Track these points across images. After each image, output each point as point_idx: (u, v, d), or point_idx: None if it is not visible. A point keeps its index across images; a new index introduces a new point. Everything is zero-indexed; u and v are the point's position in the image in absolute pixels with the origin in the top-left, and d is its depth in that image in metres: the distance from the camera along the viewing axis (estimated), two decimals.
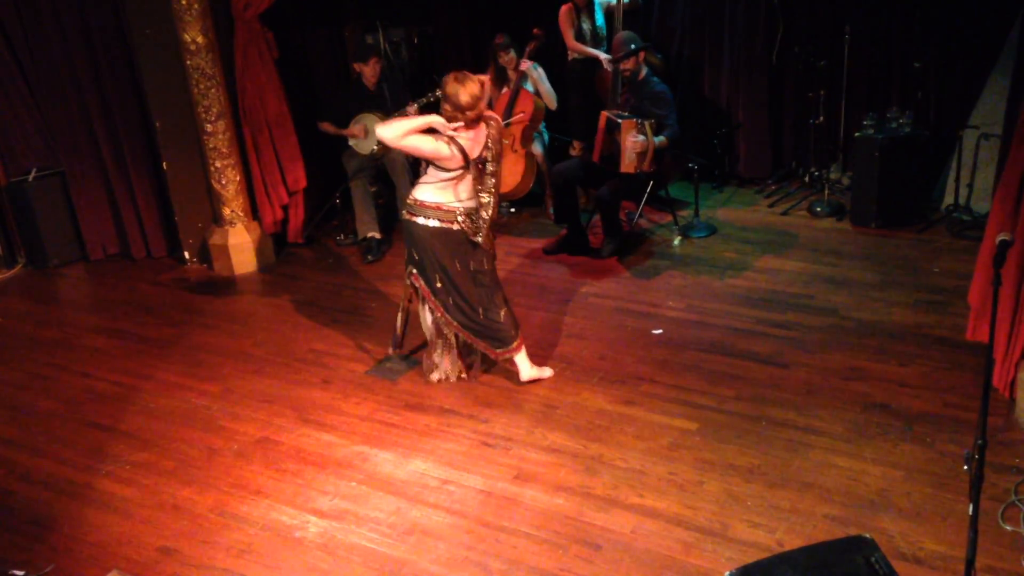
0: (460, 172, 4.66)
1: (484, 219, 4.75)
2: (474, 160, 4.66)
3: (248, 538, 3.97)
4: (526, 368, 4.99)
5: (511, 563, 3.68)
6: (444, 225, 4.72)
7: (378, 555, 3.80)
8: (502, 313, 4.91)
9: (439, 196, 4.71)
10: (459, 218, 4.71)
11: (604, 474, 4.18)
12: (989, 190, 6.34)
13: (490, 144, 4.69)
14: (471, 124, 4.63)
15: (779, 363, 4.99)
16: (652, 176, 6.51)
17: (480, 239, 4.76)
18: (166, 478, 4.45)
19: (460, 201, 4.72)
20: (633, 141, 6.10)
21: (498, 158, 4.75)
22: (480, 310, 4.87)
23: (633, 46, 6.37)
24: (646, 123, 6.09)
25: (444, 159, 4.60)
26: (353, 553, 3.82)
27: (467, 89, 4.54)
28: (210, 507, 4.20)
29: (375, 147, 6.87)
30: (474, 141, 4.65)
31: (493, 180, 4.75)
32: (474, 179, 4.70)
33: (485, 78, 4.76)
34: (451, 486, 4.20)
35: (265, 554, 3.86)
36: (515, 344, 4.95)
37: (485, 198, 4.74)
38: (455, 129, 4.61)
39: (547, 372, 5.07)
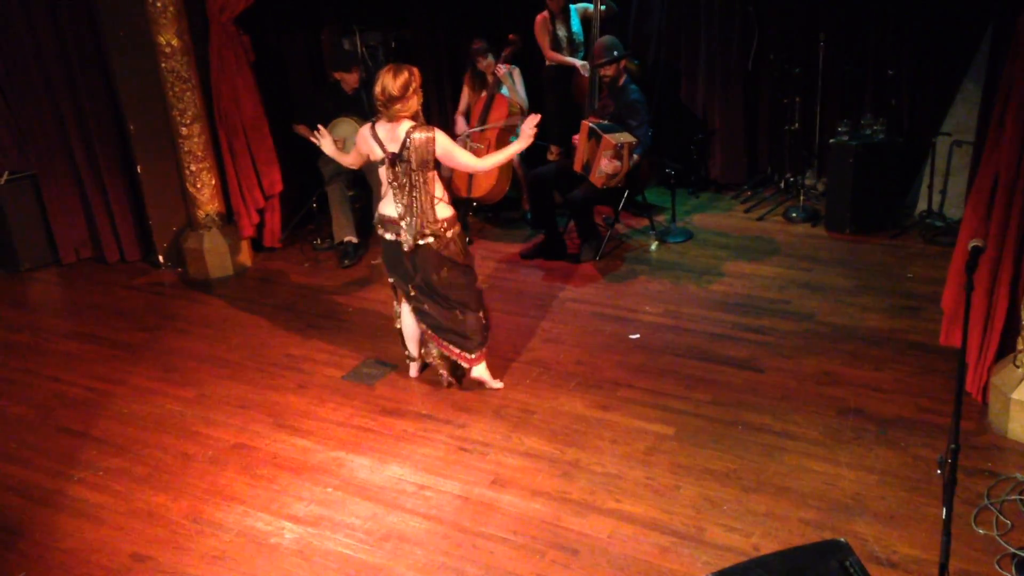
0: (389, 175, 4.64)
1: (414, 227, 4.64)
2: (388, 155, 4.57)
3: (223, 545, 3.93)
4: (486, 376, 5.02)
5: (488, 569, 3.68)
6: (400, 238, 4.70)
7: (354, 561, 3.78)
8: (472, 318, 4.88)
9: (391, 208, 4.69)
10: (401, 230, 4.68)
11: (581, 479, 4.18)
12: (962, 196, 6.41)
13: (409, 146, 4.52)
14: (392, 117, 4.57)
15: (755, 368, 5.01)
16: (629, 182, 6.51)
17: (417, 245, 4.67)
18: (139, 484, 4.40)
19: (400, 211, 4.66)
20: (607, 162, 6.09)
21: (422, 167, 4.56)
22: (456, 312, 4.85)
23: (616, 52, 6.38)
24: (625, 147, 6.07)
25: (365, 151, 4.71)
26: (329, 559, 3.80)
27: (398, 80, 4.49)
28: (184, 513, 4.16)
29: None
30: (391, 134, 4.58)
31: (415, 191, 4.60)
32: (391, 180, 4.63)
33: (415, 70, 4.63)
34: (428, 491, 4.19)
35: (240, 561, 3.83)
36: (477, 354, 4.94)
37: (401, 208, 4.66)
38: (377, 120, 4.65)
39: (498, 383, 5.05)
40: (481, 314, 4.92)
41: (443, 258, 4.71)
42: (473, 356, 4.92)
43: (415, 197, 4.60)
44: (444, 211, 4.70)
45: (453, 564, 3.72)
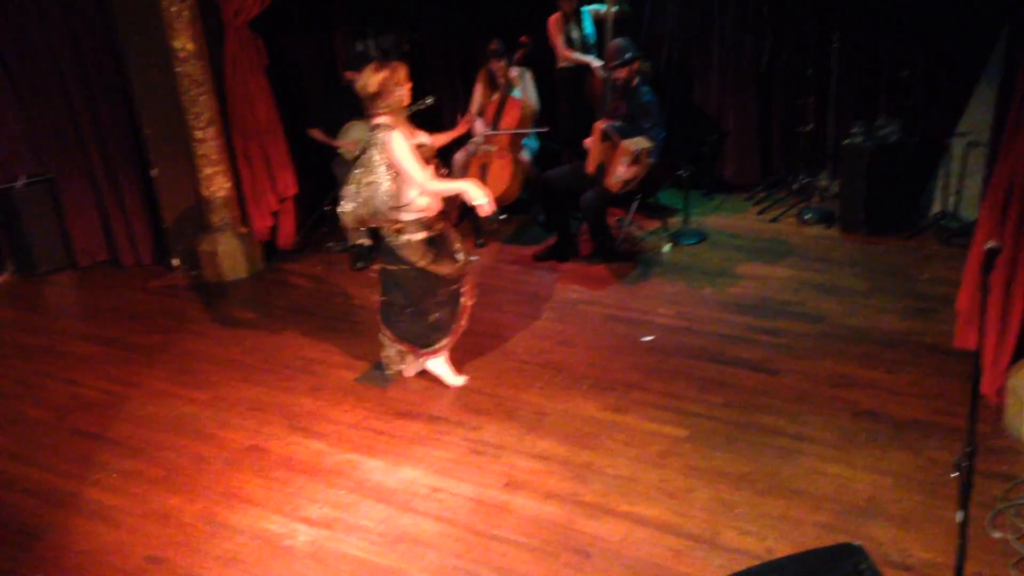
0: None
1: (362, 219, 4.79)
2: (361, 149, 4.70)
3: (237, 547, 3.95)
4: (446, 373, 5.13)
5: (501, 571, 3.67)
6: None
7: (368, 563, 3.78)
8: (428, 317, 5.00)
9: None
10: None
11: (594, 481, 4.18)
12: (977, 197, 6.37)
13: (375, 143, 4.63)
14: (375, 114, 4.64)
15: (769, 370, 4.99)
16: (642, 184, 6.50)
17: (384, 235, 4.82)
18: (154, 486, 4.42)
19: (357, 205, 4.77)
20: (624, 168, 6.09)
21: (387, 166, 4.62)
22: (408, 310, 4.97)
23: (628, 55, 6.37)
24: (642, 153, 6.07)
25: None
26: (343, 562, 3.81)
27: (376, 77, 4.55)
28: (199, 516, 4.17)
29: None
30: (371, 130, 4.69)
31: (374, 187, 4.66)
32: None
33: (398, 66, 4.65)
34: (441, 494, 4.19)
35: (254, 563, 3.84)
36: (436, 347, 5.05)
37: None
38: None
39: (461, 380, 5.13)
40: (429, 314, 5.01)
41: (391, 259, 4.84)
42: (424, 351, 5.07)
43: (371, 191, 4.66)
44: (402, 214, 4.72)
45: (466, 566, 3.72)
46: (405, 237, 4.77)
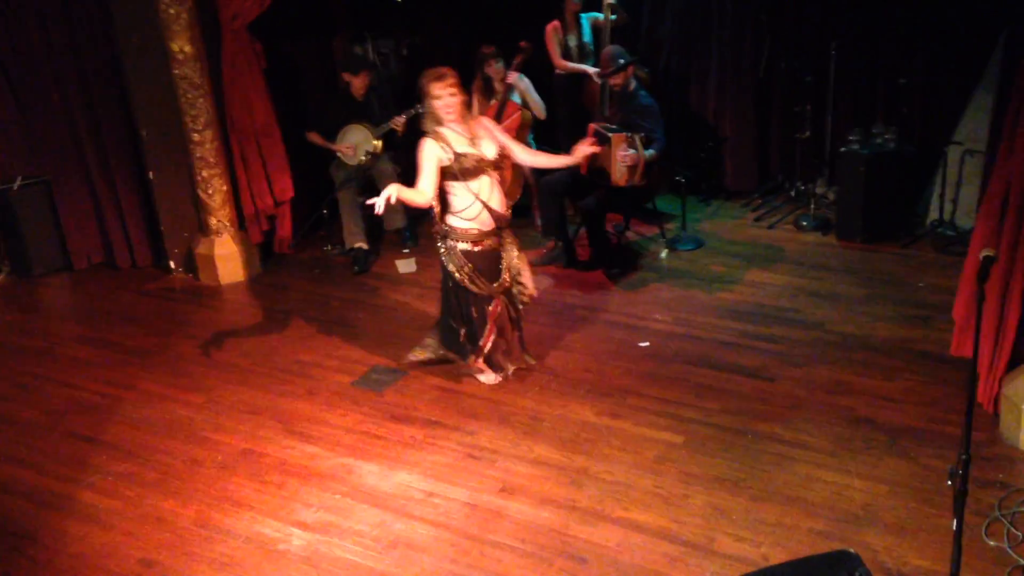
0: None
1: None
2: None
3: (231, 551, 3.94)
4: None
5: None
6: None
7: (362, 568, 3.77)
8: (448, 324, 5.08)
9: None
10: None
11: (590, 487, 4.17)
12: (973, 206, 6.39)
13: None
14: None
15: (765, 377, 4.99)
16: (640, 189, 6.50)
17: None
18: (149, 489, 4.41)
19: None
20: (623, 155, 6.08)
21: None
22: (447, 318, 5.06)
23: (622, 61, 6.38)
24: (636, 137, 6.08)
25: None
26: (337, 566, 3.80)
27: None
28: (193, 519, 4.16)
29: (363, 158, 6.86)
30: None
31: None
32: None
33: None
34: (436, 499, 4.18)
35: (248, 567, 3.83)
36: (470, 360, 5.09)
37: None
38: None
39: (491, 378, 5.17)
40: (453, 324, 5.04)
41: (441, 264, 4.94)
42: (465, 362, 5.10)
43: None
44: (449, 219, 4.82)
45: (461, 572, 3.71)
46: (449, 242, 4.84)
